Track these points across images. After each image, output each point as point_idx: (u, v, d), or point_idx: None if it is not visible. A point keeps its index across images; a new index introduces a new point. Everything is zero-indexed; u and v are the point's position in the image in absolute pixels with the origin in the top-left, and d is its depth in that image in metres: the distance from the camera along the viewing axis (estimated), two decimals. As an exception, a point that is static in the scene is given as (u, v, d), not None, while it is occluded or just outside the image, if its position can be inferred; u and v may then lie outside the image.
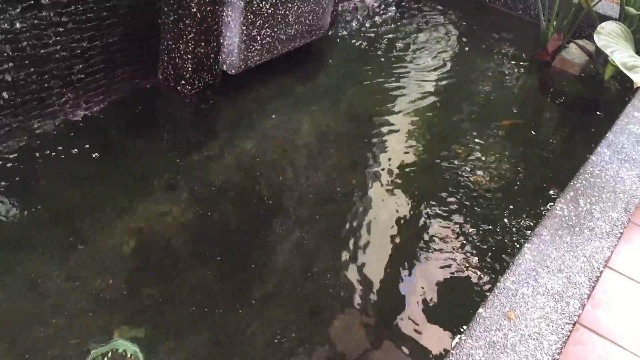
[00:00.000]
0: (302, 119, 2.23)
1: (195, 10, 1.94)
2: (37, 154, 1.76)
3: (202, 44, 2.04)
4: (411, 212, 1.92)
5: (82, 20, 1.76)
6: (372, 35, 2.87)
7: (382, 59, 2.71)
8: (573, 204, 1.67)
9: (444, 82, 2.63)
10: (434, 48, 2.88)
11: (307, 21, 2.37)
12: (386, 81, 2.56)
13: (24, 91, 1.71)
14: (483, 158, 2.20)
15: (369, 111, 2.36)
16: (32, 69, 1.69)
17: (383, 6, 3.16)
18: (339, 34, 2.81)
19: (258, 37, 2.15)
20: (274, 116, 2.21)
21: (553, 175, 2.18)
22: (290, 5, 2.22)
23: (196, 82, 2.12)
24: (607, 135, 1.99)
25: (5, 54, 1.60)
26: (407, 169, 2.10)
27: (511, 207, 1.99)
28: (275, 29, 2.22)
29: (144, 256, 1.59)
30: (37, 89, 1.73)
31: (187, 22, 1.96)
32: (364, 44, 2.79)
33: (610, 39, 1.87)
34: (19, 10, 1.58)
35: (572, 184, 1.75)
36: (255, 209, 1.81)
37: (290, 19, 2.27)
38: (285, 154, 2.05)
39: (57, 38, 1.71)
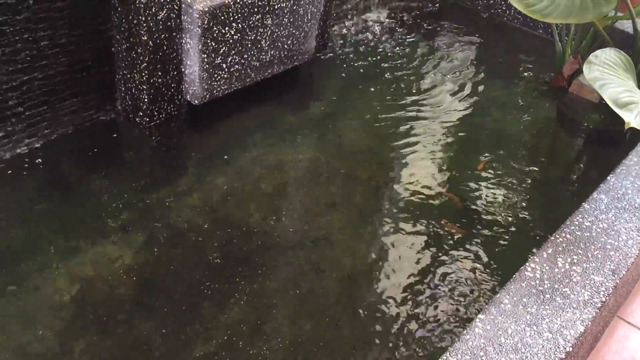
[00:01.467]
0: (285, 152, 2.06)
1: (146, 38, 1.80)
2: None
3: (159, 73, 1.90)
4: (386, 264, 1.71)
5: (16, 51, 1.65)
6: (373, 57, 2.66)
7: (383, 85, 2.49)
8: (549, 264, 1.42)
9: (450, 112, 2.39)
10: (443, 72, 2.65)
11: (285, 46, 2.20)
12: (385, 111, 2.34)
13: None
14: (484, 195, 1.97)
15: (360, 145, 2.15)
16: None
17: (387, 25, 2.95)
18: (334, 57, 2.62)
19: (224, 65, 1.99)
20: (254, 149, 2.04)
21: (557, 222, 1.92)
22: (262, 30, 2.05)
23: (155, 114, 1.98)
24: (607, 178, 1.72)
25: None
26: (393, 210, 1.89)
27: (494, 262, 1.74)
28: (246, 56, 2.05)
29: (82, 306, 1.47)
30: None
31: (139, 50, 1.82)
32: (362, 67, 2.58)
33: (606, 70, 1.61)
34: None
35: (552, 238, 1.49)
36: (215, 254, 1.65)
37: (264, 44, 2.10)
38: (259, 192, 1.88)
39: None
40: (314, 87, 2.47)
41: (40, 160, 1.80)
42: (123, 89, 1.95)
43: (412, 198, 1.95)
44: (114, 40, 1.88)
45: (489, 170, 2.09)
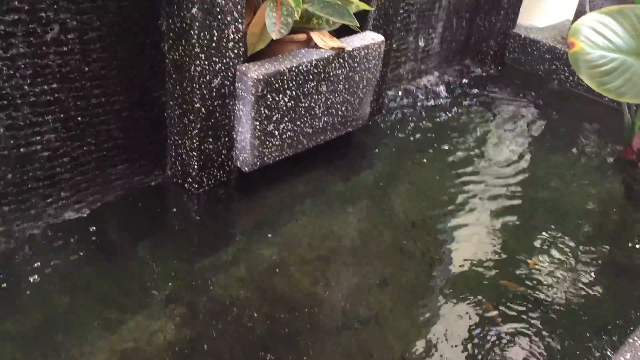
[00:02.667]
0: (335, 222, 1.98)
1: (199, 105, 1.78)
2: (19, 260, 1.64)
3: (210, 139, 1.87)
4: (439, 350, 1.59)
5: (68, 118, 1.65)
6: (428, 125, 2.59)
7: (438, 153, 2.41)
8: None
9: (509, 185, 2.28)
10: (501, 139, 2.55)
11: (339, 112, 2.15)
12: (439, 180, 2.25)
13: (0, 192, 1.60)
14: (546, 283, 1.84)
15: (414, 217, 2.06)
16: (8, 171, 1.58)
17: (443, 91, 2.88)
18: (388, 122, 2.56)
19: (276, 132, 1.95)
20: (302, 218, 1.98)
21: (626, 314, 1.76)
22: (316, 97, 2.01)
23: (204, 180, 1.94)
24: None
25: (-27, 156, 1.50)
26: (447, 290, 1.77)
27: (554, 354, 1.60)
28: (299, 122, 2.01)
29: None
30: (15, 190, 1.62)
31: (191, 117, 1.80)
32: (417, 134, 2.51)
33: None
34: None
35: (631, 340, 1.35)
36: (258, 332, 1.56)
37: (318, 111, 2.06)
38: (307, 265, 1.80)
39: (37, 138, 1.60)
40: (366, 153, 2.41)
41: (87, 225, 1.78)
42: (173, 154, 1.93)
43: (468, 278, 1.83)
44: (166, 106, 1.87)
45: (550, 251, 1.96)
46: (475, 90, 2.95)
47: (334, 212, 2.03)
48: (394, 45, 2.55)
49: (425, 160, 2.35)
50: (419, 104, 2.75)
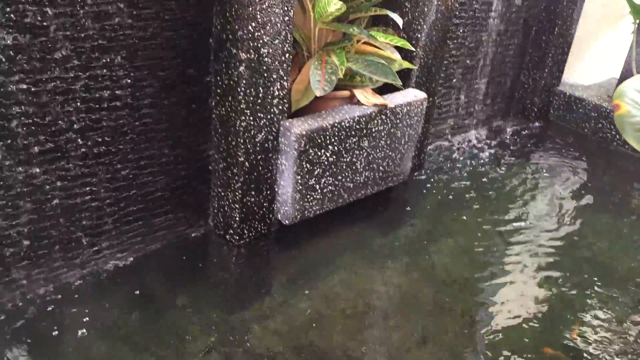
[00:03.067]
0: (374, 277, 1.97)
1: (242, 159, 1.82)
2: (62, 306, 1.68)
3: (253, 192, 1.91)
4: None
5: (116, 170, 1.71)
6: (470, 179, 2.58)
7: (479, 209, 2.39)
8: None
9: (553, 244, 2.23)
10: (545, 197, 2.52)
11: (380, 167, 2.17)
12: (481, 237, 2.22)
13: (47, 241, 1.66)
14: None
15: (454, 274, 2.03)
16: (57, 220, 1.64)
17: (486, 145, 2.87)
18: (429, 177, 2.55)
19: (317, 186, 1.97)
20: (341, 272, 1.97)
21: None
22: (357, 152, 2.04)
23: (245, 232, 1.97)
24: None
25: (25, 207, 1.57)
26: (488, 352, 1.73)
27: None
28: (340, 177, 2.03)
29: None
30: (63, 238, 1.68)
31: (235, 170, 1.85)
32: (459, 189, 2.50)
33: None
34: (42, 168, 1.56)
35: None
36: None
37: (359, 166, 2.08)
38: (345, 320, 1.79)
39: (87, 189, 1.66)
40: (406, 208, 2.40)
41: (129, 275, 1.82)
42: (216, 206, 1.97)
43: (509, 340, 1.79)
44: (211, 160, 1.92)
45: (596, 315, 1.90)
46: (519, 147, 2.94)
47: (374, 267, 2.02)
48: (437, 102, 2.57)
49: (465, 218, 2.33)
50: (460, 159, 2.75)
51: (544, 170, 2.74)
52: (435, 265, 2.07)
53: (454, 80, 2.72)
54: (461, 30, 2.60)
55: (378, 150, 2.11)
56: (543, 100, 3.17)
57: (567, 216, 2.40)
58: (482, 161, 2.76)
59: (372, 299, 1.88)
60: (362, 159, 2.08)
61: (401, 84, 2.01)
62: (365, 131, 2.02)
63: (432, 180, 2.56)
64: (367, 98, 2.03)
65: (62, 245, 1.69)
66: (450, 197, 2.46)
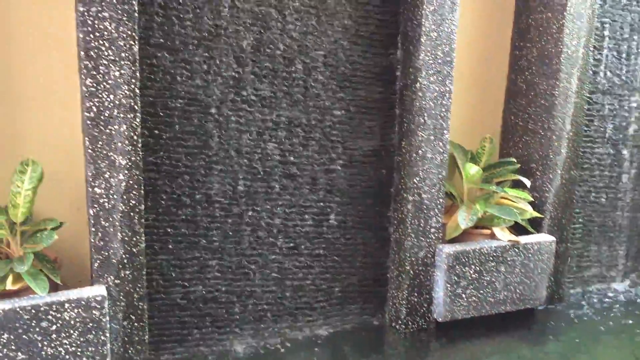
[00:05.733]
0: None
1: (408, 268, 2.70)
2: (284, 354, 2.60)
3: (416, 294, 2.74)
4: None
5: (327, 267, 2.69)
6: (609, 323, 3.01)
7: (623, 342, 2.82)
8: None
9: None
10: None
11: (517, 290, 2.86)
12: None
13: (282, 307, 2.65)
14: None
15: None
16: (278, 288, 2.64)
17: (630, 296, 3.32)
18: (568, 314, 3.07)
19: (463, 295, 2.74)
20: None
21: None
22: (496, 274, 2.79)
23: (410, 324, 2.77)
24: None
25: (254, 280, 2.60)
26: None
27: None
28: (481, 292, 2.78)
29: None
30: (291, 306, 2.66)
31: (403, 277, 2.72)
32: (600, 325, 2.97)
33: None
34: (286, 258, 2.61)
35: None
36: None
37: (498, 286, 2.81)
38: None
39: (309, 275, 2.66)
40: (547, 330, 2.97)
41: (324, 343, 2.68)
42: (390, 303, 2.82)
43: None
44: (388, 270, 2.82)
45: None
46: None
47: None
48: (575, 251, 3.22)
49: (610, 346, 2.77)
50: (603, 302, 3.25)
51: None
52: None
53: (593, 235, 3.34)
54: (593, 195, 3.29)
55: (514, 276, 2.84)
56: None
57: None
58: (624, 308, 3.23)
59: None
60: (500, 281, 2.81)
61: (532, 228, 2.78)
62: (501, 258, 2.78)
63: (572, 316, 3.07)
64: (503, 234, 2.82)
65: (291, 311, 2.66)
66: (591, 332, 2.93)
